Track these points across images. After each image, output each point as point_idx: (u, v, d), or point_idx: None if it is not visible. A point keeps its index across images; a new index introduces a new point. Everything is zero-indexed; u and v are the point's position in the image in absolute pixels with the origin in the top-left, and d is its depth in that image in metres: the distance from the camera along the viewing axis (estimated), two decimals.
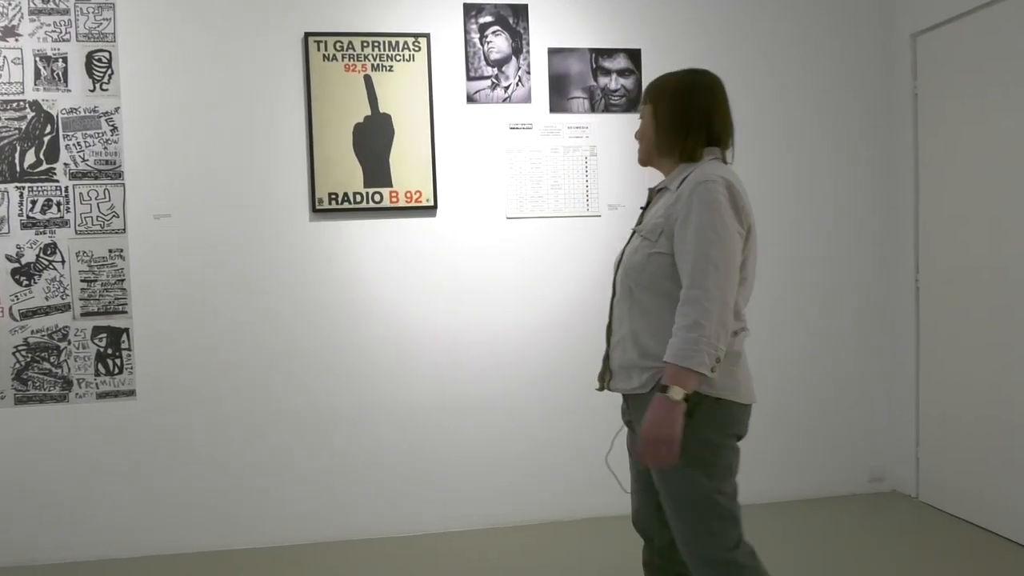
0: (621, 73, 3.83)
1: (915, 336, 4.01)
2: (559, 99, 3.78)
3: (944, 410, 3.84)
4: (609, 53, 3.82)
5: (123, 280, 3.49)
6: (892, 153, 4.11)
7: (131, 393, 3.52)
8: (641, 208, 2.19)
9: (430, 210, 3.69)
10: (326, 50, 3.57)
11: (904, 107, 4.04)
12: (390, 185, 3.61)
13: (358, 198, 3.60)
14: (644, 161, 2.15)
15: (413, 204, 3.64)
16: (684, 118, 2.03)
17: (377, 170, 3.60)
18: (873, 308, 4.11)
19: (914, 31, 3.95)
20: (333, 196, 3.59)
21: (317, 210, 3.58)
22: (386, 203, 3.62)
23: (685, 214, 1.91)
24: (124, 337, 3.50)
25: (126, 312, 3.50)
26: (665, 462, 1.86)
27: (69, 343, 3.47)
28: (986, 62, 3.53)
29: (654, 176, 3.76)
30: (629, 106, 3.85)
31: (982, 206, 3.57)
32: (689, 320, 1.84)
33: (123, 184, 3.48)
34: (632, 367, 2.02)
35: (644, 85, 3.71)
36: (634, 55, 3.85)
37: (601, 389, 2.17)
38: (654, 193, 2.14)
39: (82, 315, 3.48)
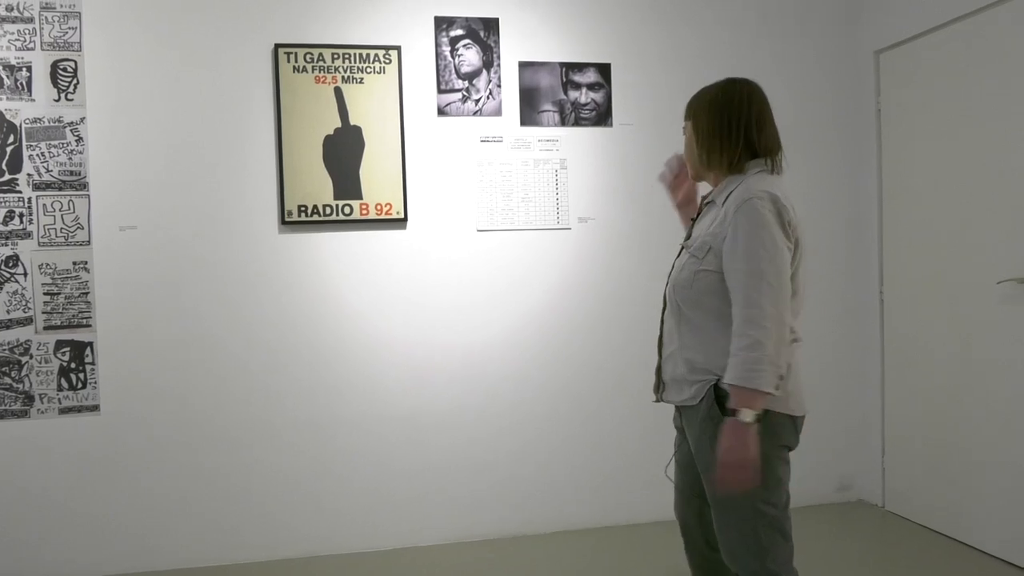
0: (591, 87, 3.85)
1: (880, 347, 4.06)
2: (529, 112, 3.80)
3: (909, 420, 3.88)
4: (579, 67, 3.85)
5: (87, 293, 3.44)
6: (856, 168, 4.17)
7: (95, 408, 3.46)
8: (691, 219, 2.19)
9: (400, 223, 3.68)
10: (296, 61, 3.55)
11: (867, 123, 4.11)
12: (360, 197, 3.60)
13: (328, 210, 3.58)
14: (695, 177, 2.17)
15: (383, 217, 3.63)
16: (721, 131, 2.02)
17: (347, 182, 3.58)
18: (838, 320, 4.17)
19: (877, 48, 4.02)
20: (303, 208, 3.56)
21: (286, 222, 3.56)
22: (356, 215, 3.60)
23: (733, 232, 1.91)
24: (88, 351, 3.45)
25: (90, 326, 3.45)
26: (746, 485, 1.86)
27: (31, 357, 3.41)
28: (947, 79, 3.59)
29: (625, 193, 3.92)
30: (599, 120, 3.87)
31: (944, 219, 3.63)
32: (749, 340, 1.84)
33: (88, 195, 3.44)
34: (683, 381, 2.05)
35: (613, 99, 3.85)
36: (604, 69, 3.88)
37: (657, 401, 2.19)
38: (703, 204, 2.14)
39: (45, 329, 3.42)
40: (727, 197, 1.99)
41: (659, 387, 2.18)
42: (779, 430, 1.96)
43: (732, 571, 2.06)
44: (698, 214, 2.16)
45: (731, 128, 2.02)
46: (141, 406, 3.52)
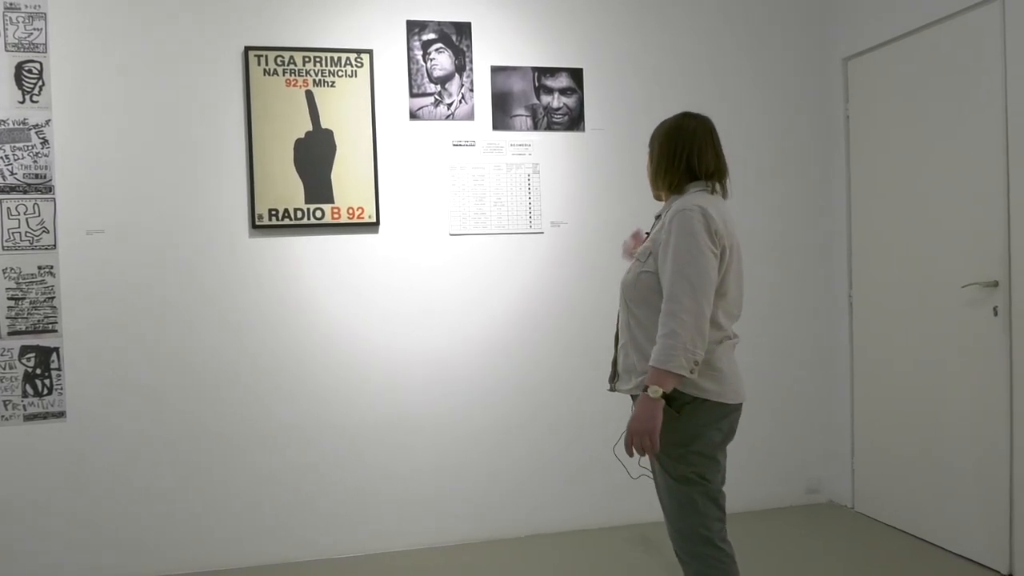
0: (563, 92, 3.88)
1: (849, 349, 4.12)
2: (502, 117, 3.82)
3: (878, 422, 3.94)
4: (551, 72, 3.87)
5: (53, 298, 3.40)
6: (825, 174, 4.23)
7: (61, 415, 3.43)
8: (645, 233, 2.48)
9: (372, 227, 3.69)
10: (267, 64, 3.55)
11: (836, 130, 4.16)
12: (332, 201, 3.60)
13: (299, 214, 3.58)
14: (655, 196, 2.44)
15: (355, 221, 3.63)
16: (668, 157, 2.32)
17: (319, 186, 3.59)
18: (808, 322, 4.22)
19: (846, 55, 4.08)
20: (273, 212, 3.56)
21: (257, 226, 3.55)
22: (328, 219, 3.60)
23: (666, 238, 2.17)
24: (54, 357, 3.42)
25: (56, 331, 3.41)
26: (647, 451, 2.13)
27: None
28: (915, 86, 3.65)
29: (597, 197, 3.97)
30: (571, 124, 3.90)
31: (911, 224, 3.69)
32: (667, 329, 2.10)
33: (53, 199, 3.40)
34: (631, 371, 2.28)
35: (586, 104, 3.89)
36: (576, 74, 3.91)
37: (612, 390, 2.40)
38: (655, 219, 2.40)
39: (9, 334, 3.38)
40: (668, 211, 2.26)
41: (614, 377, 2.39)
42: (715, 416, 2.22)
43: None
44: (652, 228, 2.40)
45: (675, 155, 2.31)
46: (108, 413, 3.49)
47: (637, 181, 3.99)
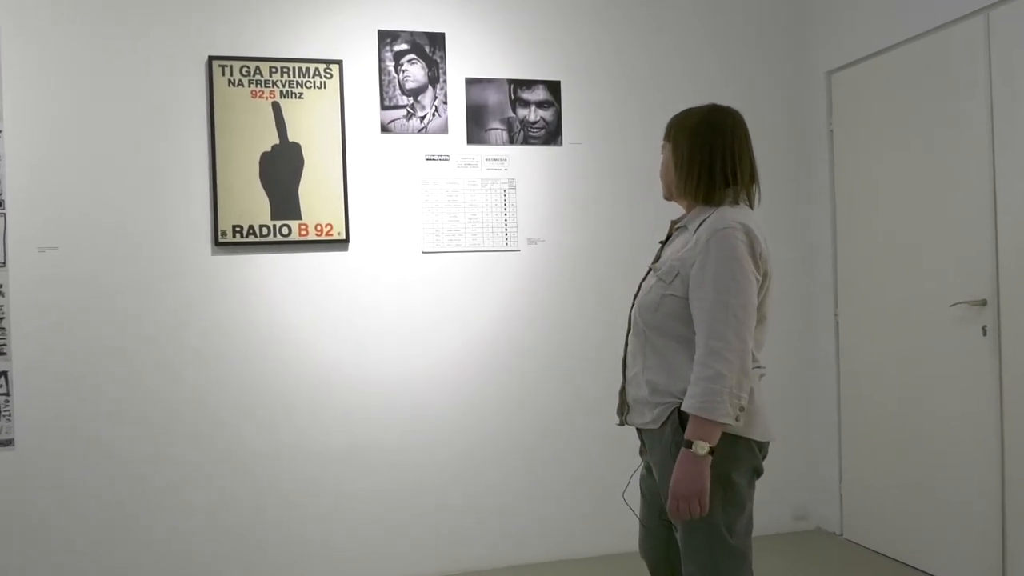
0: (540, 105, 3.89)
1: (836, 372, 4.13)
2: (477, 130, 3.82)
3: (867, 445, 3.94)
4: (528, 84, 3.89)
5: (2, 319, 3.35)
6: (808, 190, 4.26)
7: (9, 443, 3.36)
8: (660, 243, 2.25)
9: (342, 244, 3.67)
10: (231, 75, 3.54)
11: (819, 145, 4.19)
12: (299, 217, 3.59)
13: (264, 231, 3.56)
14: (667, 197, 2.22)
15: (324, 238, 3.62)
16: (702, 159, 2.08)
17: (285, 201, 3.57)
18: (793, 344, 4.23)
19: (829, 69, 4.12)
20: (238, 228, 3.54)
21: (220, 243, 3.53)
22: (295, 236, 3.59)
23: (703, 260, 1.97)
24: (2, 381, 3.35)
25: (5, 354, 3.35)
26: (695, 516, 1.93)
27: None
28: (900, 100, 3.68)
29: (575, 213, 3.96)
30: (548, 138, 3.91)
31: (898, 242, 3.72)
32: (711, 371, 1.90)
33: (3, 214, 3.35)
34: (644, 403, 2.10)
35: (563, 117, 3.90)
36: (554, 87, 3.92)
37: (621, 424, 2.23)
38: (674, 227, 2.20)
39: None
40: (700, 224, 2.05)
41: (623, 409, 2.22)
42: (748, 456, 2.04)
43: None
44: (668, 238, 2.22)
45: (712, 158, 2.08)
46: (59, 441, 3.42)
47: (617, 197, 4.01)
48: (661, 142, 2.24)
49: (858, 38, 3.91)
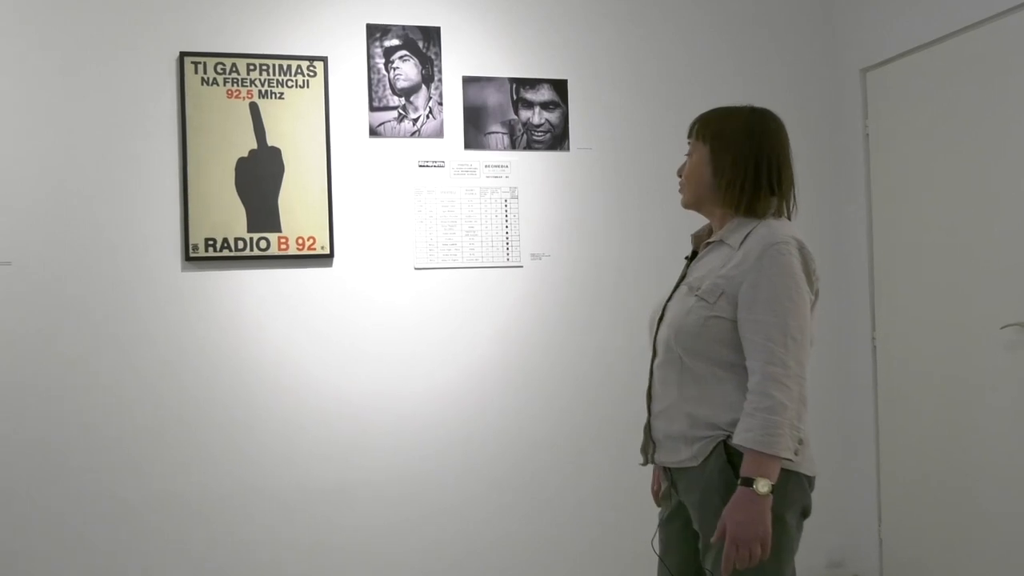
0: (545, 106, 3.83)
1: (873, 401, 3.98)
2: (475, 134, 3.75)
3: (909, 483, 3.81)
4: (532, 83, 3.82)
5: None
6: (842, 198, 4.15)
7: None
8: (686, 259, 2.20)
9: (326, 259, 3.58)
10: (205, 73, 3.47)
11: (854, 148, 4.09)
12: (279, 230, 3.52)
13: (240, 244, 3.48)
14: (691, 204, 2.15)
15: (306, 252, 3.54)
16: (747, 167, 2.04)
17: (263, 212, 3.50)
18: (826, 370, 4.07)
19: (863, 66, 4.01)
20: (211, 242, 3.46)
21: (191, 258, 3.44)
22: (274, 250, 3.51)
23: (755, 279, 1.93)
24: None
25: None
26: (754, 562, 1.87)
27: None
28: (942, 100, 3.59)
29: (584, 226, 3.77)
30: (554, 143, 3.83)
31: (942, 257, 3.61)
32: (771, 400, 1.86)
33: None
34: (680, 438, 2.05)
35: (571, 120, 3.84)
36: (560, 86, 3.85)
37: (645, 463, 2.18)
38: (700, 242, 2.17)
39: None
40: (744, 238, 2.01)
41: (648, 447, 2.17)
42: (797, 494, 1.98)
43: None
44: (695, 253, 2.19)
45: (759, 166, 2.04)
46: (10, 471, 3.29)
47: (631, 207, 3.91)
48: (687, 141, 2.17)
49: (895, 32, 3.81)
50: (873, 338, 4.00)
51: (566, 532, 3.78)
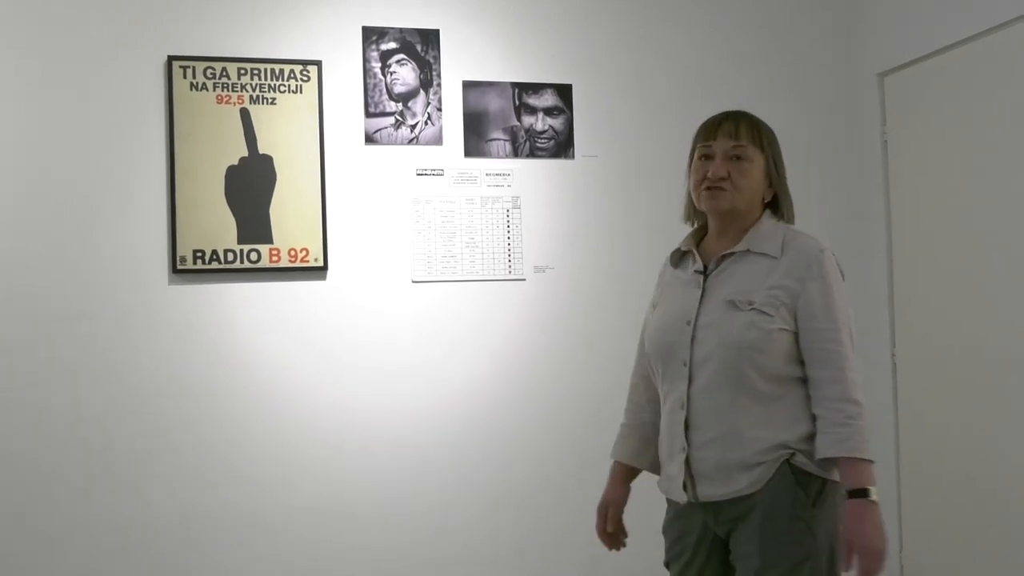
0: (549, 112, 3.80)
1: (893, 422, 3.90)
2: (476, 141, 3.73)
3: (932, 510, 3.74)
4: (535, 88, 3.80)
5: None
6: (860, 210, 4.09)
7: None
8: (698, 272, 2.14)
9: (319, 272, 3.55)
10: (194, 77, 3.45)
11: (871, 157, 4.04)
12: (270, 241, 3.50)
13: (230, 256, 3.46)
14: (729, 211, 2.10)
15: (298, 264, 3.52)
16: (784, 172, 2.17)
17: (254, 223, 3.48)
18: None
19: (881, 70, 3.97)
20: (199, 254, 3.43)
21: (178, 271, 3.40)
22: (265, 263, 3.48)
23: (817, 287, 2.00)
24: None
25: None
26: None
27: None
28: (966, 106, 3.55)
29: (590, 237, 3.71)
30: (558, 150, 3.80)
31: (967, 269, 3.56)
32: (859, 408, 1.93)
33: None
34: (736, 467, 2.00)
35: (575, 126, 3.81)
36: (564, 91, 3.82)
37: (694, 501, 2.06)
38: (708, 255, 2.14)
39: None
40: (782, 246, 2.06)
41: (687, 484, 2.07)
42: (839, 502, 1.99)
43: None
44: (704, 268, 2.14)
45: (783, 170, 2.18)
46: None
47: (638, 217, 3.86)
48: (733, 143, 2.10)
49: (914, 35, 3.76)
50: (893, 355, 3.94)
51: (570, 553, 3.71)
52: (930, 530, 3.73)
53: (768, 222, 2.10)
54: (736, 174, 2.07)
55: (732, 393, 2.01)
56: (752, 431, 1.99)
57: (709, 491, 2.02)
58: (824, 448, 1.92)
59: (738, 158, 2.08)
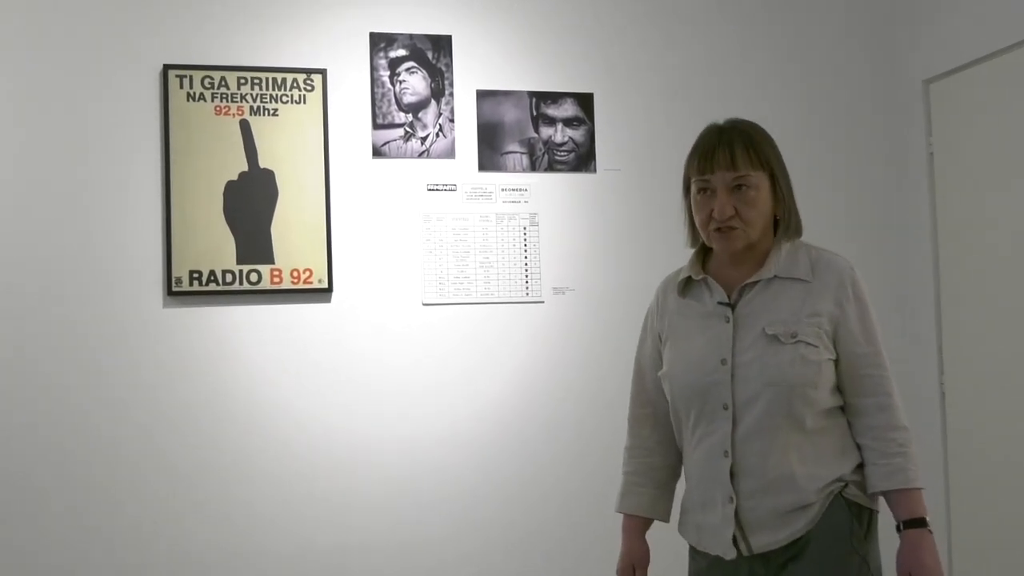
0: (568, 123, 3.77)
1: (942, 451, 3.80)
2: (490, 154, 3.70)
3: (982, 537, 3.66)
4: (554, 98, 3.77)
5: None
6: (904, 226, 4.02)
7: None
8: (722, 303, 2.04)
9: (324, 293, 3.51)
10: (191, 87, 3.43)
11: (917, 169, 3.98)
12: (271, 261, 3.47)
13: (229, 277, 3.42)
14: (745, 247, 2.01)
15: (301, 286, 3.49)
16: (790, 185, 2.09)
17: (255, 242, 3.46)
18: None
19: (927, 77, 3.91)
20: (196, 275, 3.40)
21: (174, 293, 3.37)
22: (266, 284, 3.45)
23: (855, 311, 1.98)
24: None
25: None
26: None
27: None
28: (1015, 113, 3.49)
29: (612, 256, 3.62)
30: (578, 164, 3.76)
31: (1021, 289, 3.47)
32: (908, 434, 1.96)
33: None
34: (789, 512, 1.94)
35: (597, 138, 3.77)
36: (585, 100, 3.78)
37: (744, 555, 1.97)
38: (727, 280, 2.04)
39: None
40: (809, 268, 2.02)
41: (737, 537, 1.97)
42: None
43: None
44: (730, 296, 2.04)
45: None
46: None
47: (662, 235, 3.71)
48: (733, 175, 1.98)
49: (961, 41, 3.70)
50: (941, 383, 3.85)
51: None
52: (983, 561, 3.66)
53: (787, 243, 2.04)
54: (743, 207, 1.97)
55: (783, 435, 1.95)
56: (804, 469, 1.95)
57: (764, 540, 1.94)
58: (877, 481, 1.92)
59: (741, 186, 1.98)
